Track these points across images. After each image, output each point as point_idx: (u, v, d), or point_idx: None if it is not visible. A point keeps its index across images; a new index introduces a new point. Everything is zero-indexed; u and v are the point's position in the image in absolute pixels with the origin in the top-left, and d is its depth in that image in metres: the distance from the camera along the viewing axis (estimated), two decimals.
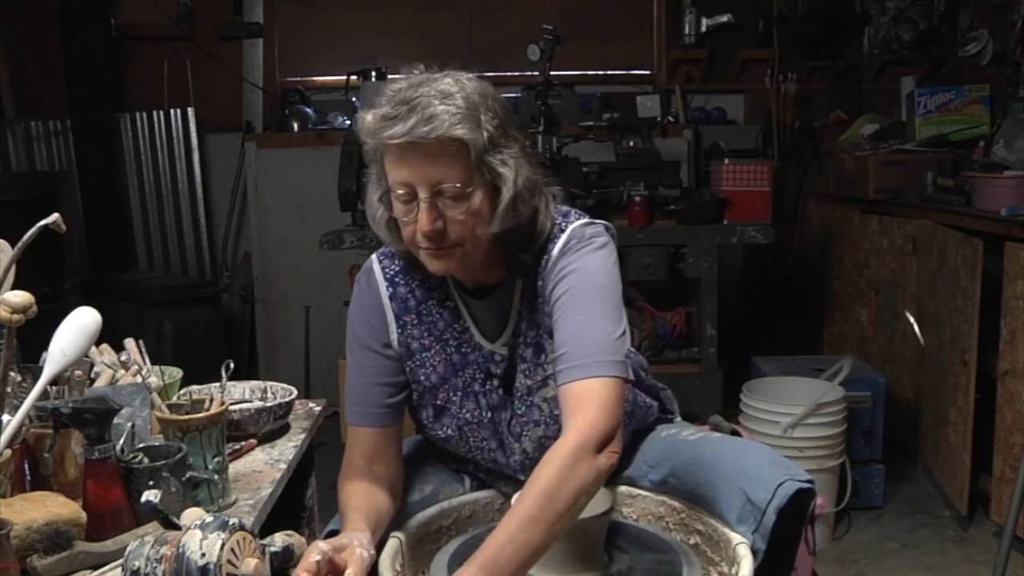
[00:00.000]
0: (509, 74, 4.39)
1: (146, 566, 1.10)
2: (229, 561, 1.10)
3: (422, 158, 1.25)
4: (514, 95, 4.16)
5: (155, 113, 4.49)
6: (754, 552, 1.29)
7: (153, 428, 1.57)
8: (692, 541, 1.44)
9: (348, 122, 4.35)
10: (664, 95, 4.57)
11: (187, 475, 1.36)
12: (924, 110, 3.78)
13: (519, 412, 1.46)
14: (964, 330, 2.89)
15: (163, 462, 1.34)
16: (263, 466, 1.62)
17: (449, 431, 1.49)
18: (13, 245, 1.31)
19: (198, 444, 1.40)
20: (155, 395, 1.61)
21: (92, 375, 1.63)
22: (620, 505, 1.53)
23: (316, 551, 1.19)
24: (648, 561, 1.38)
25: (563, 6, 4.58)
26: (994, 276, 2.78)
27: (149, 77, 4.47)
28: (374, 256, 1.50)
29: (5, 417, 1.27)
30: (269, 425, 1.75)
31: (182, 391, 1.77)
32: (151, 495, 1.27)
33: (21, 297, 1.20)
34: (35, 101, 4.35)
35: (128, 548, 1.14)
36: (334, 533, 1.37)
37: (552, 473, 1.20)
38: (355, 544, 1.25)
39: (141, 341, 1.77)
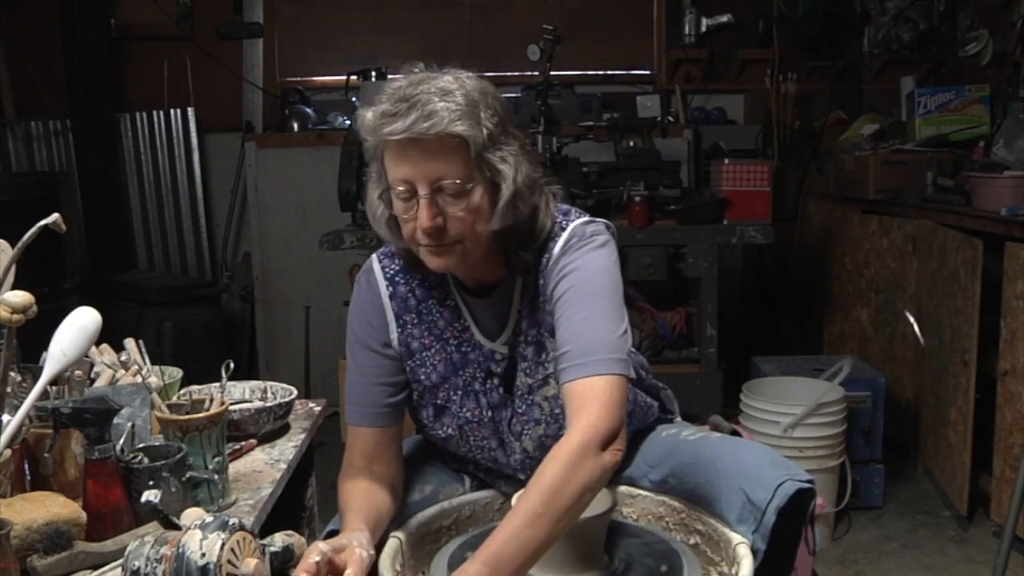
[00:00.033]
0: (509, 74, 4.39)
1: (146, 566, 1.10)
2: (229, 561, 1.10)
3: (422, 154, 1.26)
4: (514, 95, 4.15)
5: (155, 113, 4.49)
6: (754, 552, 1.29)
7: (153, 428, 1.57)
8: (692, 541, 1.44)
9: (348, 122, 4.35)
10: (664, 95, 4.57)
11: (187, 475, 1.36)
12: (924, 110, 3.78)
13: (520, 411, 1.46)
14: (964, 330, 2.89)
15: (163, 462, 1.34)
16: (263, 466, 1.62)
17: (449, 430, 1.49)
18: (13, 245, 1.31)
19: (198, 444, 1.40)
20: (155, 395, 1.61)
21: (92, 375, 1.63)
22: (620, 505, 1.53)
23: (316, 552, 1.19)
24: (648, 561, 1.38)
25: (563, 6, 4.57)
26: (994, 276, 2.78)
27: (149, 77, 4.47)
28: (374, 256, 1.50)
29: (5, 417, 1.27)
30: (269, 425, 1.75)
31: (182, 391, 1.77)
32: (151, 495, 1.27)
33: (21, 297, 1.20)
34: (35, 101, 4.35)
35: (128, 548, 1.14)
36: (334, 533, 1.37)
37: (557, 470, 1.20)
38: (355, 544, 1.25)
39: (141, 341, 1.77)
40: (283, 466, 1.62)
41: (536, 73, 3.47)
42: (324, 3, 4.67)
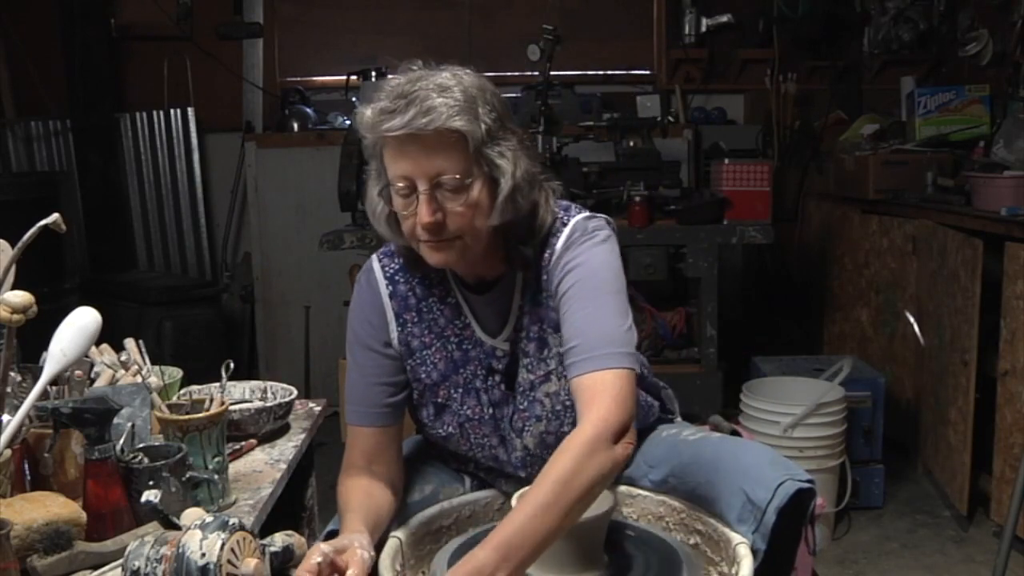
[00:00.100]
0: (509, 74, 4.39)
1: (146, 566, 1.10)
2: (229, 561, 1.10)
3: (421, 150, 1.26)
4: (514, 95, 4.15)
5: (155, 113, 4.49)
6: (754, 552, 1.29)
7: (153, 428, 1.57)
8: (692, 541, 1.44)
9: (348, 122, 4.35)
10: (664, 95, 4.57)
11: (187, 475, 1.36)
12: (924, 110, 3.78)
13: (521, 407, 1.46)
14: (964, 330, 2.89)
15: (163, 462, 1.34)
16: (263, 466, 1.62)
17: (450, 429, 1.49)
18: (13, 245, 1.31)
19: (198, 444, 1.40)
20: (155, 395, 1.61)
21: (92, 375, 1.63)
22: (620, 505, 1.53)
23: (317, 552, 1.19)
24: (648, 561, 1.38)
25: (563, 6, 4.57)
26: (994, 276, 2.78)
27: (149, 77, 4.47)
28: (374, 255, 1.50)
29: (5, 417, 1.27)
30: (269, 425, 1.75)
31: (182, 391, 1.77)
32: (151, 495, 1.27)
33: (21, 297, 1.20)
34: (35, 101, 4.36)
35: (128, 548, 1.14)
36: (334, 533, 1.37)
37: (568, 462, 1.21)
38: (356, 546, 1.25)
39: (141, 341, 1.77)
40: (283, 466, 1.62)
41: (536, 73, 3.47)
42: (324, 3, 4.67)
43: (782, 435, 2.83)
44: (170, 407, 1.46)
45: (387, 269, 1.47)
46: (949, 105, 3.77)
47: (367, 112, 1.28)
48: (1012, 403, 2.72)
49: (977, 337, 2.82)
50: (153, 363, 1.75)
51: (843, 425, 2.90)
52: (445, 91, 1.26)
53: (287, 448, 1.71)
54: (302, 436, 1.78)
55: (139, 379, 1.64)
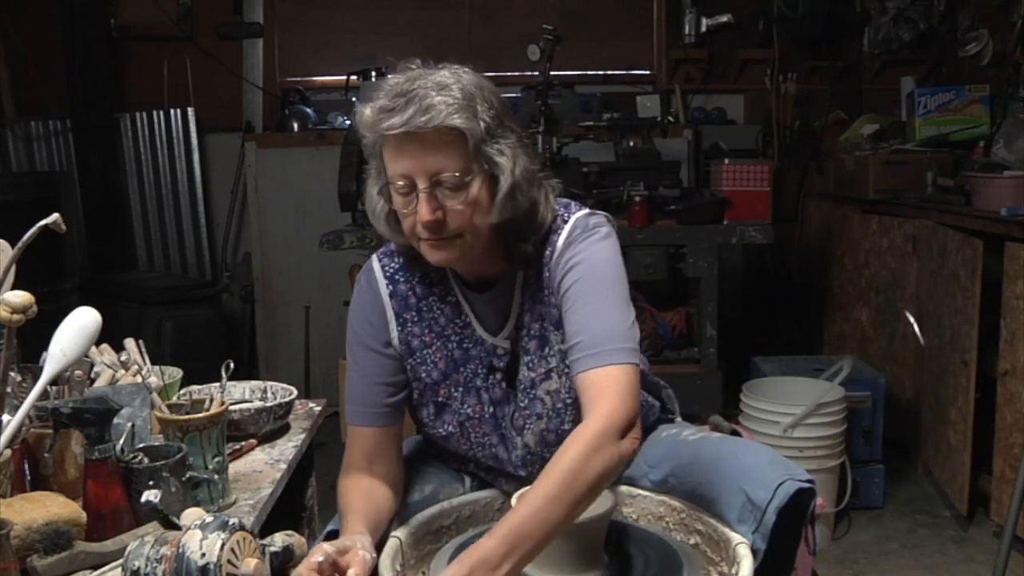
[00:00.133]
0: (509, 74, 4.39)
1: (146, 566, 1.10)
2: (229, 561, 1.10)
3: (420, 148, 1.26)
4: (514, 95, 4.15)
5: (155, 113, 4.49)
6: (754, 552, 1.29)
7: (153, 428, 1.57)
8: (692, 541, 1.44)
9: (348, 122, 4.35)
10: (664, 95, 4.57)
11: (187, 475, 1.36)
12: (924, 110, 3.78)
13: (522, 405, 1.46)
14: (964, 330, 2.89)
15: (163, 462, 1.34)
16: (263, 466, 1.62)
17: (450, 428, 1.49)
18: (13, 245, 1.31)
19: (198, 444, 1.40)
20: (155, 395, 1.61)
21: (92, 375, 1.63)
22: (620, 505, 1.52)
23: (320, 552, 1.20)
24: (648, 561, 1.38)
25: (563, 6, 4.57)
26: (994, 276, 2.78)
27: (149, 77, 4.47)
28: (375, 255, 1.50)
29: (5, 417, 1.27)
30: (269, 425, 1.75)
31: (182, 391, 1.77)
32: (151, 495, 1.27)
33: (21, 297, 1.20)
34: (35, 101, 4.36)
35: (128, 548, 1.14)
36: (334, 533, 1.37)
37: (576, 455, 1.21)
38: (358, 547, 1.25)
39: (141, 341, 1.77)
40: (283, 466, 1.62)
41: (536, 73, 3.46)
42: (324, 3, 4.67)
43: (782, 435, 2.83)
44: (170, 407, 1.46)
45: (387, 269, 1.47)
46: (949, 105, 3.77)
47: (366, 111, 1.29)
48: (1012, 403, 2.72)
49: (977, 337, 2.82)
50: (153, 363, 1.75)
51: (843, 425, 2.90)
52: (444, 89, 1.26)
53: (287, 448, 1.71)
54: (302, 436, 1.78)
55: (139, 379, 1.64)
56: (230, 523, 1.12)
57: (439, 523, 1.50)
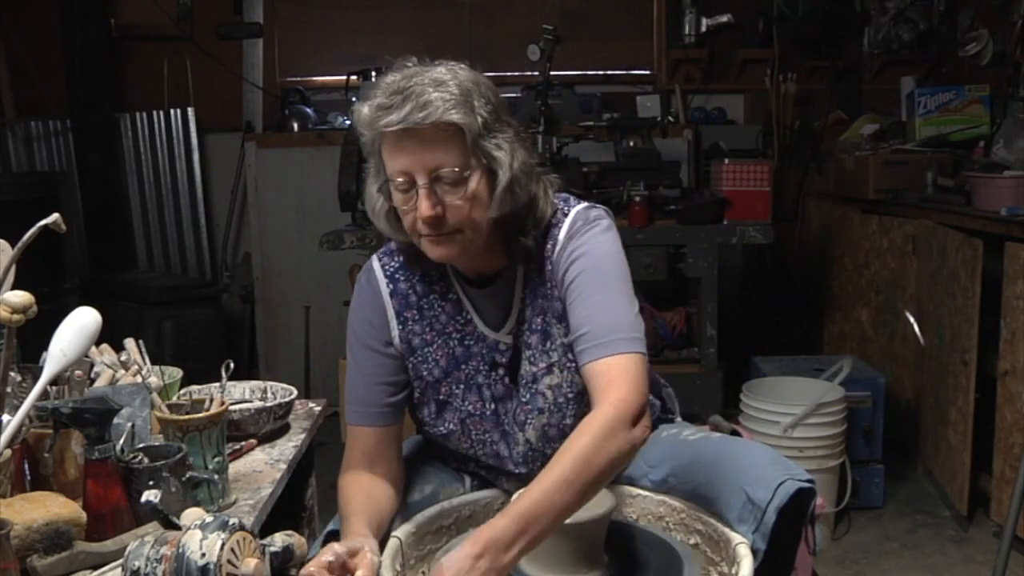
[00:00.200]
0: (509, 74, 4.39)
1: (146, 566, 1.10)
2: (229, 561, 1.10)
3: (418, 144, 1.27)
4: (514, 95, 4.15)
5: (155, 113, 4.49)
6: (754, 552, 1.29)
7: (153, 428, 1.57)
8: (692, 541, 1.44)
9: (348, 122, 4.34)
10: (664, 95, 4.57)
11: (187, 475, 1.36)
12: (924, 110, 3.78)
13: (524, 400, 1.46)
14: (964, 330, 2.89)
15: (163, 462, 1.34)
16: (263, 466, 1.62)
17: (451, 426, 1.49)
18: (13, 245, 1.31)
19: (198, 444, 1.40)
20: (155, 395, 1.61)
21: (92, 375, 1.63)
22: (620, 505, 1.52)
23: (330, 552, 1.20)
24: (648, 561, 1.38)
25: (563, 6, 4.57)
26: (994, 276, 2.78)
27: (149, 77, 4.47)
28: (375, 255, 1.51)
29: (5, 417, 1.27)
30: (269, 425, 1.75)
31: (182, 391, 1.77)
32: (151, 495, 1.27)
33: (21, 297, 1.20)
34: (35, 101, 4.36)
35: (128, 548, 1.14)
36: (334, 533, 1.37)
37: (588, 441, 1.21)
38: (367, 549, 1.25)
39: (141, 341, 1.77)
40: (283, 466, 1.62)
41: (536, 73, 3.46)
42: (324, 3, 4.67)
43: (782, 435, 2.83)
44: (170, 407, 1.46)
45: (387, 268, 1.47)
46: (949, 105, 3.77)
47: (364, 109, 1.30)
48: (1012, 403, 2.72)
49: (977, 337, 2.82)
50: (153, 363, 1.75)
51: (843, 425, 2.90)
52: (440, 85, 1.27)
53: (287, 448, 1.71)
54: (302, 436, 1.78)
55: (139, 379, 1.64)
56: (230, 523, 1.12)
57: (439, 523, 1.50)
